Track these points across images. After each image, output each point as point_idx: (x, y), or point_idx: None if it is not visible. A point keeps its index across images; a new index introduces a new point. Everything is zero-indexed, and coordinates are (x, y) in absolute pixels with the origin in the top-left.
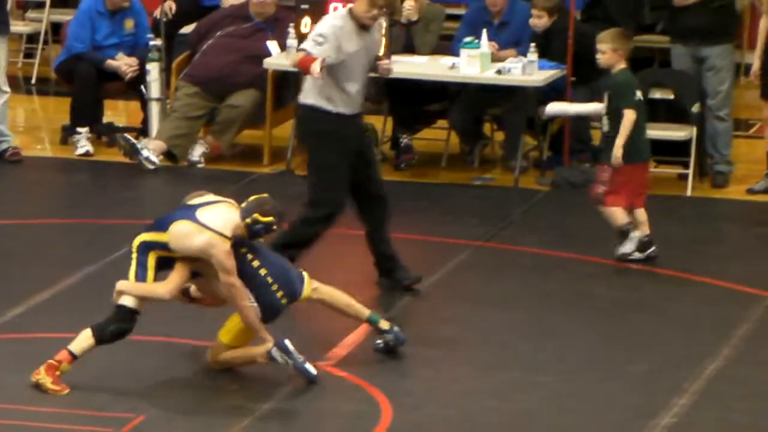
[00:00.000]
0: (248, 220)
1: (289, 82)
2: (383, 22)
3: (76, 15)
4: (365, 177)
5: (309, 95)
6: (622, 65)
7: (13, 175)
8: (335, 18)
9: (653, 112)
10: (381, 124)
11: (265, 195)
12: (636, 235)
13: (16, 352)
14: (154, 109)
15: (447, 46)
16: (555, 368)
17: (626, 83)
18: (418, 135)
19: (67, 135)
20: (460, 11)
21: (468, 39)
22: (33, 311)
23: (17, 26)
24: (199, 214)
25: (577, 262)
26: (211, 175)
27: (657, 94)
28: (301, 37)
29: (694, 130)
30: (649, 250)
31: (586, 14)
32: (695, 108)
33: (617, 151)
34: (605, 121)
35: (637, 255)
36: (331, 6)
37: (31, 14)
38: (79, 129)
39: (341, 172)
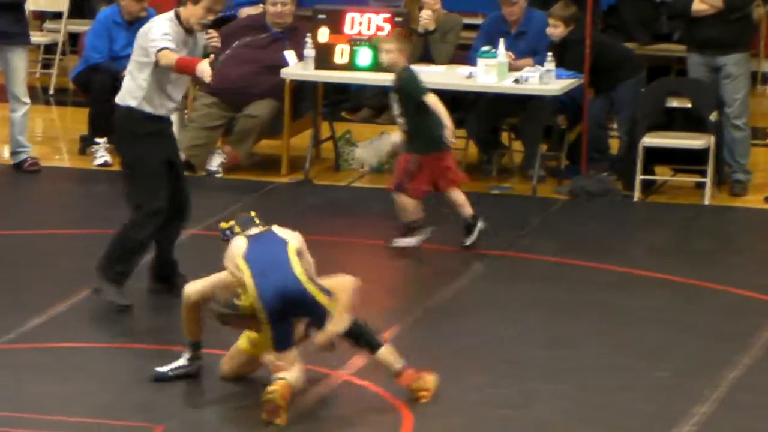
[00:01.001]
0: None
1: (306, 92)
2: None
3: (93, 26)
4: (176, 187)
5: (129, 97)
6: (403, 64)
7: (32, 186)
8: (166, 20)
9: (670, 121)
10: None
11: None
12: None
13: (35, 361)
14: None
15: (464, 55)
16: (573, 377)
17: (412, 77)
18: None
19: (85, 145)
20: (477, 21)
21: (485, 48)
22: (52, 321)
23: (35, 37)
24: None
25: (596, 270)
26: (229, 184)
27: (674, 103)
28: (319, 47)
29: (712, 138)
30: (475, 231)
31: (603, 23)
32: (713, 117)
33: (450, 134)
34: (401, 121)
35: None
36: (348, 15)
37: (48, 25)
38: (97, 139)
39: (161, 173)
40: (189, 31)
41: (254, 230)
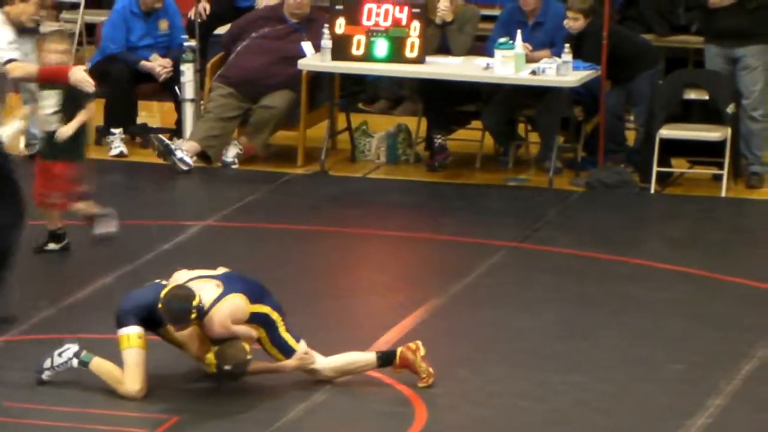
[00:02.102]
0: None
1: (323, 83)
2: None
3: (111, 16)
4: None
5: None
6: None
7: None
8: (1, 24)
9: (687, 112)
10: (415, 124)
11: None
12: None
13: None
14: (188, 110)
15: (481, 46)
16: (590, 369)
17: None
18: (452, 136)
19: (101, 136)
20: (495, 12)
21: (502, 40)
22: (65, 311)
23: (52, 27)
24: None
25: (612, 262)
26: (245, 176)
27: (691, 95)
28: (336, 38)
29: (729, 130)
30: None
31: (621, 15)
32: (730, 109)
33: (67, 130)
34: (54, 119)
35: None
36: (365, 6)
37: (65, 15)
38: (113, 130)
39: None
40: (21, 30)
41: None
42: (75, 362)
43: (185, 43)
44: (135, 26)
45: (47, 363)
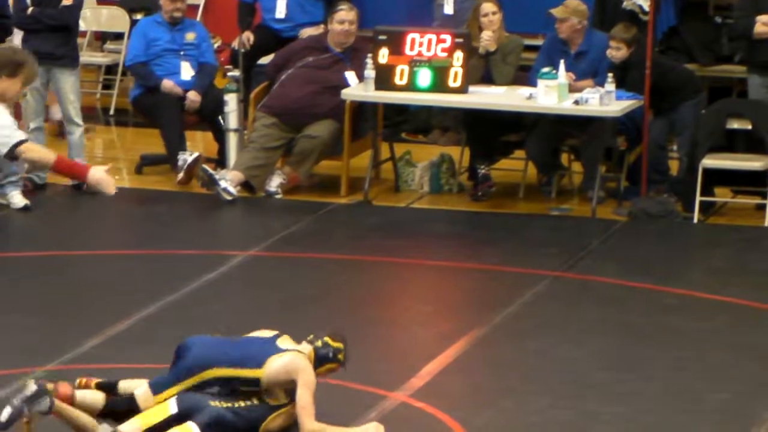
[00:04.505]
0: (318, 343)
1: (366, 113)
2: None
3: (134, 31)
4: None
5: None
6: None
7: (91, 206)
8: None
9: (731, 142)
10: (459, 154)
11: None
12: None
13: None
14: (232, 139)
15: (525, 76)
16: (633, 399)
17: None
18: (495, 165)
19: (143, 164)
20: (538, 42)
21: (545, 69)
22: (110, 342)
23: (95, 57)
24: (279, 342)
25: (655, 292)
26: (289, 205)
27: (735, 125)
28: (379, 68)
29: None
30: None
31: (664, 45)
32: None
33: None
34: None
35: None
36: (409, 36)
37: (109, 45)
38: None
39: None
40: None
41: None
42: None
43: (229, 74)
44: (160, 34)
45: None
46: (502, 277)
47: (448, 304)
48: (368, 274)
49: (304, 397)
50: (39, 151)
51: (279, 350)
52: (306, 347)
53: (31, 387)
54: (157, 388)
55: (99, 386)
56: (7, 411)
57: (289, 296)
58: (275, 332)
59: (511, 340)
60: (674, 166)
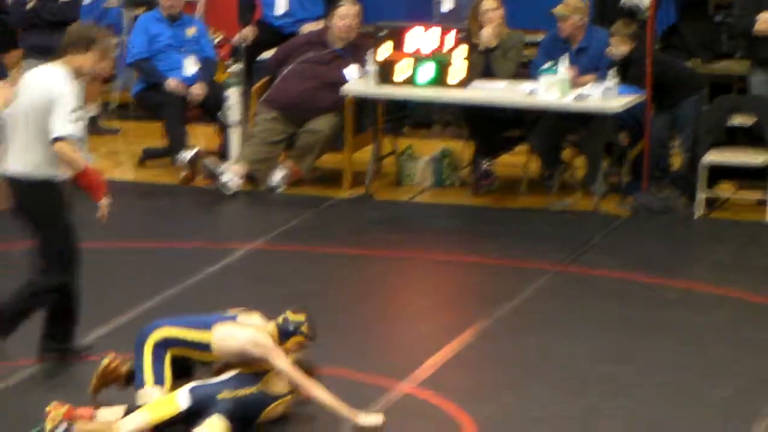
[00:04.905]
0: (279, 320)
1: (368, 107)
2: None
3: (135, 27)
4: None
5: (40, 167)
6: None
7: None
8: (65, 80)
9: (732, 137)
10: (461, 148)
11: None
12: None
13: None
14: (234, 134)
15: (525, 72)
16: (634, 393)
17: None
18: (497, 160)
19: (146, 158)
20: (539, 38)
21: (546, 65)
22: (115, 333)
23: None
24: (240, 318)
25: (657, 287)
26: (291, 199)
27: (736, 120)
28: (381, 65)
29: None
30: None
31: (664, 43)
32: None
33: None
34: None
35: None
36: (410, 32)
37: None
38: (183, 155)
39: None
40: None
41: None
42: None
43: (230, 68)
44: (160, 30)
45: None
46: (504, 272)
47: (450, 298)
48: (370, 268)
49: (281, 364)
50: (71, 156)
51: (229, 318)
52: (269, 325)
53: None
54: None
55: (129, 378)
56: None
57: (291, 290)
58: (242, 308)
59: (512, 334)
60: (676, 162)
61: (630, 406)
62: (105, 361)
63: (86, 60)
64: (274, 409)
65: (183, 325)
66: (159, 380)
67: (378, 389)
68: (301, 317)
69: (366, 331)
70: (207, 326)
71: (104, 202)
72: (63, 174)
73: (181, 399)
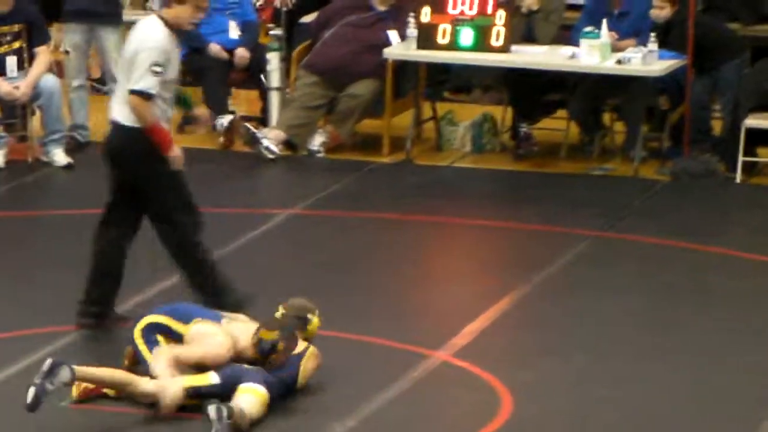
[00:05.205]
0: (254, 339)
1: (408, 72)
2: None
3: None
4: None
5: (130, 116)
6: None
7: None
8: (156, 33)
9: None
10: (501, 113)
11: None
12: None
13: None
14: (274, 98)
15: (567, 36)
16: (673, 358)
17: None
18: (537, 125)
19: (185, 123)
20: (581, 1)
21: (588, 29)
22: (154, 299)
23: (138, 15)
24: (225, 321)
25: (696, 252)
26: (331, 164)
27: None
28: (422, 29)
29: None
30: None
31: (706, 4)
32: None
33: None
34: None
35: None
36: None
37: (152, 4)
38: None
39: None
40: (176, 33)
41: None
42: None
43: (271, 32)
44: None
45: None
46: (543, 237)
47: (489, 263)
48: (410, 234)
49: (180, 349)
50: (141, 111)
51: (212, 315)
52: (251, 331)
53: (47, 363)
54: None
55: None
56: (31, 392)
57: (331, 255)
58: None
59: (551, 299)
60: (717, 126)
61: (668, 372)
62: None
63: (183, 11)
64: (306, 365)
65: (166, 314)
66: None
67: (415, 356)
68: (273, 335)
69: (404, 297)
70: (188, 319)
71: (173, 155)
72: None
73: (212, 376)
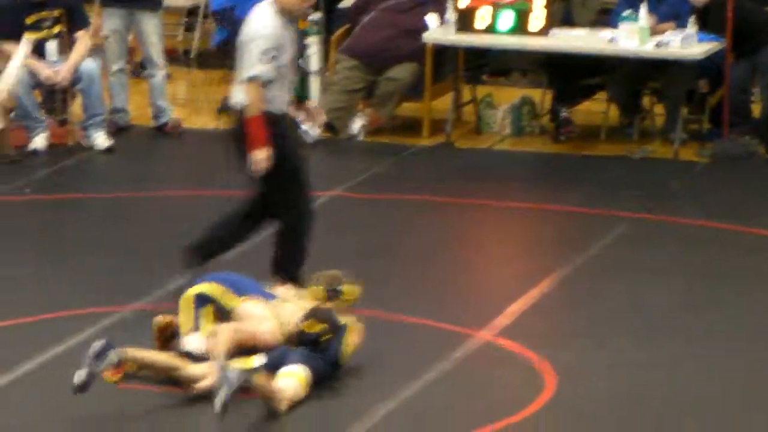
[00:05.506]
0: (296, 329)
1: (447, 55)
2: None
3: None
4: None
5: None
6: None
7: (173, 148)
8: (265, 20)
9: None
10: (540, 96)
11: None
12: None
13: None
14: (314, 82)
15: (606, 19)
16: (713, 341)
17: None
18: (577, 108)
19: (224, 107)
20: None
21: (627, 12)
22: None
23: (178, 1)
24: (275, 301)
25: (737, 234)
26: (371, 147)
27: None
28: (461, 13)
29: None
30: None
31: None
32: None
33: None
34: None
35: None
36: None
37: None
38: None
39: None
40: (289, 20)
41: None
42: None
43: (310, 17)
44: None
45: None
46: (584, 219)
47: (529, 245)
48: (450, 216)
49: (233, 331)
50: (250, 98)
51: (266, 294)
52: (295, 323)
53: (95, 345)
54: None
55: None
56: (81, 374)
57: (372, 237)
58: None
59: (591, 281)
60: (756, 109)
61: (709, 354)
62: (157, 321)
63: (288, 1)
64: (347, 341)
65: (219, 282)
66: (196, 327)
67: (458, 337)
68: (317, 327)
69: (446, 279)
70: (240, 293)
71: (256, 155)
72: (277, 108)
73: (255, 360)
